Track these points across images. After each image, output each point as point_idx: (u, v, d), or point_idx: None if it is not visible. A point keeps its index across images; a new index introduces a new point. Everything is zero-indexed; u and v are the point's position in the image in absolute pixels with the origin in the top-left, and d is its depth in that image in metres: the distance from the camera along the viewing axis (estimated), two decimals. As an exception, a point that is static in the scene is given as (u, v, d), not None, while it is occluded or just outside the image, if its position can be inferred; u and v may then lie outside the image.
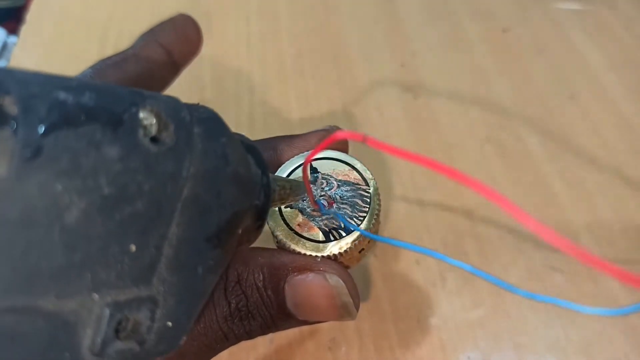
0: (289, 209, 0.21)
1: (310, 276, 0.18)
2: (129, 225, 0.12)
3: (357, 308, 0.19)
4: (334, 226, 0.20)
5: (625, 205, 0.31)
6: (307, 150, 0.22)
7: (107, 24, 0.43)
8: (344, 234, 0.20)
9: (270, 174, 0.18)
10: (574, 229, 0.30)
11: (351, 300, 0.18)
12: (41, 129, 0.11)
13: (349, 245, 0.20)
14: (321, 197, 0.21)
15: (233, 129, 0.17)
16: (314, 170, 0.22)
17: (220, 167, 0.15)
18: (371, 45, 0.41)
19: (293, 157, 0.22)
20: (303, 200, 0.21)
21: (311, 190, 0.20)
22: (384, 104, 0.38)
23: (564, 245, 0.10)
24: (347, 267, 0.20)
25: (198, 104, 0.16)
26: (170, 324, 0.14)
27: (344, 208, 0.20)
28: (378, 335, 0.28)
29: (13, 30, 0.46)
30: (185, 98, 0.15)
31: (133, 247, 0.13)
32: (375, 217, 0.20)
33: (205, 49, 0.42)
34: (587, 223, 0.31)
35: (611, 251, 0.29)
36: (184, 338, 0.15)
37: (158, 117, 0.13)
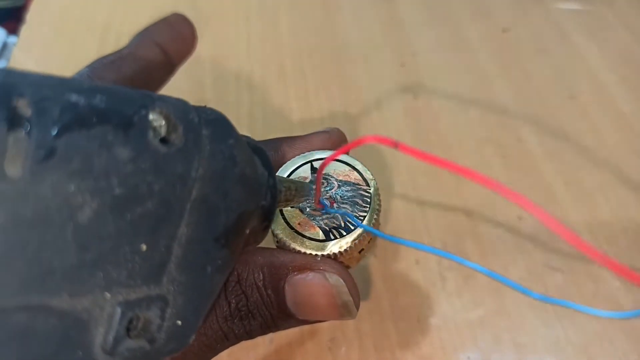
0: (289, 208, 0.21)
1: (310, 275, 0.18)
2: (140, 225, 0.13)
3: (357, 307, 0.19)
4: (334, 225, 0.20)
5: (625, 205, 0.32)
6: (308, 151, 0.22)
7: (107, 24, 0.43)
8: (344, 233, 0.20)
9: (277, 176, 0.18)
10: (574, 229, 0.30)
11: (351, 299, 0.18)
12: (54, 131, 0.11)
13: (349, 245, 0.20)
14: (322, 197, 0.21)
15: (233, 129, 0.17)
16: (315, 170, 0.22)
17: (228, 168, 0.15)
18: (371, 45, 0.41)
19: (294, 157, 0.22)
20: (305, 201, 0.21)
21: (320, 190, 0.20)
22: (384, 104, 0.38)
23: (568, 236, 0.11)
24: (347, 267, 0.20)
25: (205, 106, 0.16)
26: (180, 322, 0.14)
27: (344, 208, 0.20)
28: (378, 335, 0.28)
29: (13, 30, 0.46)
30: (186, 98, 0.15)
31: (144, 247, 0.13)
32: (375, 217, 0.20)
33: (206, 49, 0.42)
34: (587, 223, 0.31)
35: (611, 251, 0.29)
36: (193, 337, 0.15)
37: (167, 119, 0.13)
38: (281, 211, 0.21)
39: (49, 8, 0.45)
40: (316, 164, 0.22)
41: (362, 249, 0.20)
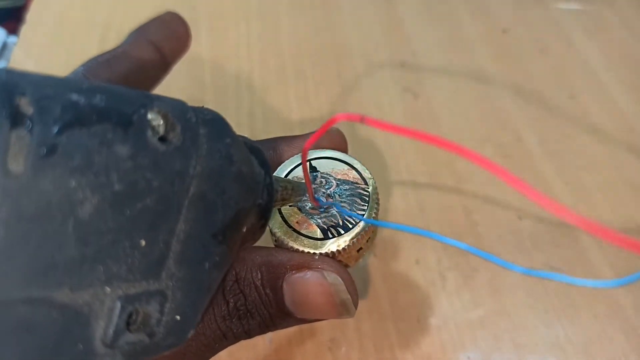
0: (287, 206, 0.21)
1: (308, 274, 0.18)
2: (139, 221, 0.13)
3: (356, 305, 0.19)
4: (332, 224, 0.20)
5: (625, 205, 0.31)
6: (308, 150, 0.22)
7: (107, 24, 0.44)
8: (342, 232, 0.20)
9: (273, 175, 0.19)
10: (574, 229, 0.30)
11: (350, 297, 0.18)
12: (55, 128, 0.11)
13: (347, 243, 0.20)
14: (320, 196, 0.21)
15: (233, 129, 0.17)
16: (313, 169, 0.22)
17: (225, 167, 0.15)
18: (371, 45, 0.41)
19: (293, 157, 0.22)
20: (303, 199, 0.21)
21: (310, 181, 0.20)
22: (384, 104, 0.38)
23: (555, 208, 0.11)
24: (345, 266, 0.20)
25: (202, 106, 0.16)
26: (178, 317, 0.15)
27: (342, 206, 0.20)
28: (378, 335, 0.28)
29: (13, 30, 0.46)
30: (186, 98, 0.15)
31: (143, 242, 0.13)
32: (374, 215, 0.20)
33: (206, 50, 0.42)
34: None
35: (611, 250, 0.29)
36: (192, 332, 0.16)
37: (165, 118, 0.14)
38: (279, 210, 0.21)
39: (49, 8, 0.45)
40: (315, 164, 0.22)
41: (361, 248, 0.20)
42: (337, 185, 0.21)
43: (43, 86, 0.11)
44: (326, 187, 0.21)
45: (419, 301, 0.29)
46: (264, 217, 0.18)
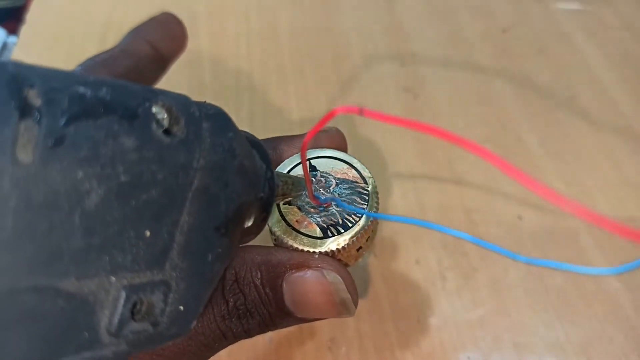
0: (287, 205, 0.21)
1: (308, 273, 0.18)
2: (144, 212, 0.13)
3: (356, 304, 0.19)
4: (332, 222, 0.20)
5: (625, 205, 0.31)
6: (307, 149, 0.22)
7: (107, 24, 0.44)
8: (342, 231, 0.20)
9: (274, 170, 0.19)
10: (574, 228, 0.30)
11: (349, 296, 0.18)
12: (63, 120, 0.11)
13: (346, 242, 0.19)
14: (320, 195, 0.21)
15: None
16: (313, 168, 0.22)
17: (227, 160, 0.16)
18: (371, 45, 0.41)
19: (292, 156, 0.22)
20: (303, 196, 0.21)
21: (309, 176, 0.20)
22: (384, 104, 0.38)
23: (558, 201, 0.11)
24: (345, 265, 0.20)
25: (205, 101, 0.16)
26: (182, 307, 0.15)
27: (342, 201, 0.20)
28: (378, 335, 0.28)
29: (13, 30, 0.46)
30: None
31: (147, 233, 0.13)
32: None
33: (206, 49, 0.42)
34: (586, 222, 0.31)
35: (611, 251, 0.29)
36: (194, 323, 0.16)
37: (169, 111, 0.14)
38: (279, 209, 0.21)
39: (49, 8, 0.45)
40: (314, 163, 0.22)
41: (360, 247, 0.20)
42: (337, 184, 0.21)
43: (51, 78, 0.11)
44: (326, 186, 0.21)
45: (419, 301, 0.29)
46: (265, 211, 0.18)
